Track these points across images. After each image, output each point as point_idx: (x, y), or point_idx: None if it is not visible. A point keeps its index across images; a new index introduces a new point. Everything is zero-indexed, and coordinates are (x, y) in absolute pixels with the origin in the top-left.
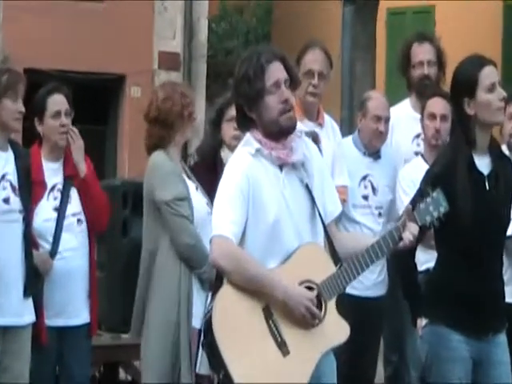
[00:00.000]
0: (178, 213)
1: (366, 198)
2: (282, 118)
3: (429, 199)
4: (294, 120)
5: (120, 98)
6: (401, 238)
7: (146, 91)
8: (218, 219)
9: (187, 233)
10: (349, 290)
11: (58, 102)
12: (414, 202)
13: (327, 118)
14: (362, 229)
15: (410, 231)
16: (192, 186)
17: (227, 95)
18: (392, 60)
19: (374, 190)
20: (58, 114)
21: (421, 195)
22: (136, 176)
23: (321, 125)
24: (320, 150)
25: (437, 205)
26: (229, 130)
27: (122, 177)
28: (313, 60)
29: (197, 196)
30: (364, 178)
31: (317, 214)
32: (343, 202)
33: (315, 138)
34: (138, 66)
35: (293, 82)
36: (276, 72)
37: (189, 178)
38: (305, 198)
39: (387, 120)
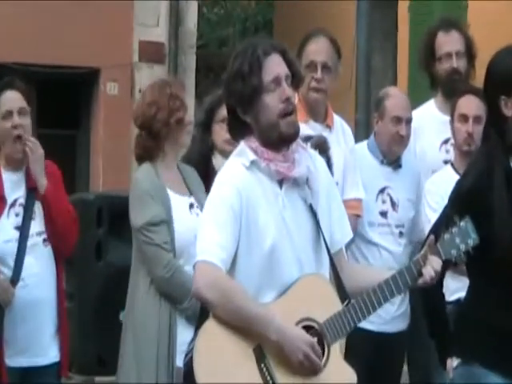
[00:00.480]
0: (151, 241)
1: (384, 214)
2: (283, 122)
3: (455, 229)
4: (297, 126)
5: (94, 96)
6: (421, 274)
7: (124, 88)
8: (204, 242)
9: (161, 264)
10: (364, 324)
11: (9, 99)
12: (438, 229)
13: (337, 120)
14: (379, 251)
15: (432, 266)
16: (183, 203)
17: (218, 92)
18: (416, 51)
19: (393, 205)
20: (9, 114)
21: (446, 221)
22: (112, 189)
23: (329, 127)
24: (329, 159)
25: (464, 236)
26: (221, 132)
27: (95, 190)
28: (315, 50)
29: (187, 216)
30: (382, 190)
31: (322, 240)
32: (357, 218)
33: (322, 144)
34: (114, 59)
35: (295, 79)
36: (275, 66)
37: (190, 192)
38: (308, 222)
39: (409, 121)
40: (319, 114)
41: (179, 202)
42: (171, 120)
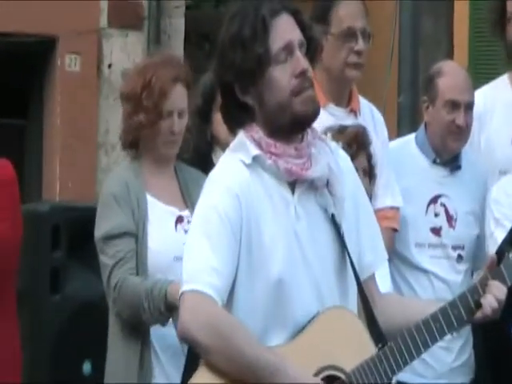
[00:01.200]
0: (107, 256)
1: (437, 231)
2: (297, 100)
3: None
4: (316, 103)
5: (48, 73)
6: (479, 305)
7: (88, 62)
8: (192, 266)
9: (111, 284)
10: (412, 377)
11: None
12: (502, 248)
13: (364, 104)
14: (430, 280)
15: (494, 294)
16: (167, 215)
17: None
18: (479, 14)
19: (450, 219)
20: None
21: None
22: (73, 198)
23: (354, 113)
24: (370, 157)
25: None
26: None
27: (50, 199)
28: (351, 13)
29: (170, 231)
30: (434, 200)
31: (347, 263)
32: (393, 232)
33: (361, 137)
34: (75, 24)
35: (311, 48)
36: (286, 30)
37: (185, 204)
38: (329, 238)
39: (469, 107)
40: (342, 96)
41: (162, 213)
42: (147, 105)
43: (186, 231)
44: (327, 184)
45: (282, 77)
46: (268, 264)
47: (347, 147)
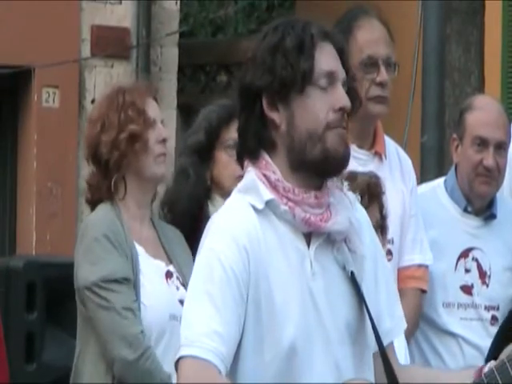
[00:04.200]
0: (108, 304)
1: (468, 290)
2: (331, 134)
3: None
4: (349, 147)
5: (22, 109)
6: None
7: (68, 97)
8: (193, 328)
9: (124, 339)
10: None
11: None
12: None
13: (391, 145)
14: (460, 346)
15: None
16: (156, 268)
17: (225, 102)
18: None
19: (483, 275)
20: None
21: None
22: (51, 252)
23: (379, 156)
24: (382, 208)
25: None
26: (229, 163)
27: (25, 253)
28: (373, 39)
29: (162, 286)
30: (465, 254)
31: (366, 328)
32: (422, 293)
33: (373, 186)
34: (53, 53)
35: (349, 93)
36: (332, 59)
37: (168, 258)
38: (347, 299)
39: (501, 146)
40: (366, 137)
41: (152, 266)
42: (121, 137)
43: (177, 287)
44: (346, 240)
45: (319, 104)
46: (280, 328)
47: (359, 198)
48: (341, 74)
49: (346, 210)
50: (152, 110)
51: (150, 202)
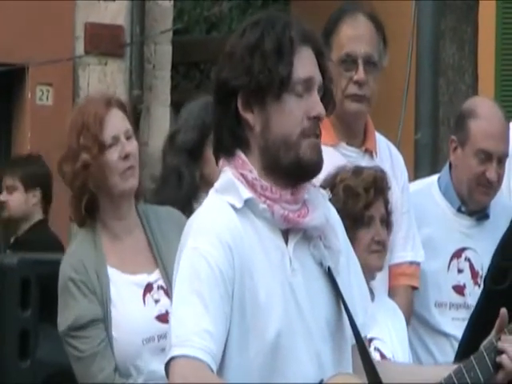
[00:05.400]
0: (77, 352)
1: (460, 290)
2: (306, 143)
3: None
4: (322, 157)
5: (15, 107)
6: (499, 365)
7: (62, 94)
8: (183, 327)
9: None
10: None
11: None
12: None
13: (382, 142)
14: (452, 345)
15: None
16: (132, 287)
17: (207, 99)
18: (510, 36)
19: (475, 275)
20: None
21: None
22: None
23: (370, 153)
24: (387, 203)
25: None
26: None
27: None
28: (354, 36)
29: (136, 308)
30: (458, 254)
31: (343, 321)
32: (413, 290)
33: (381, 180)
34: (47, 51)
35: (325, 95)
36: (310, 65)
37: (156, 263)
38: (325, 294)
39: (503, 158)
40: (355, 134)
41: (127, 286)
42: (76, 166)
43: (156, 301)
44: (321, 237)
45: (295, 110)
46: (264, 323)
47: (364, 193)
48: (317, 79)
49: (322, 206)
50: (113, 125)
51: (130, 213)
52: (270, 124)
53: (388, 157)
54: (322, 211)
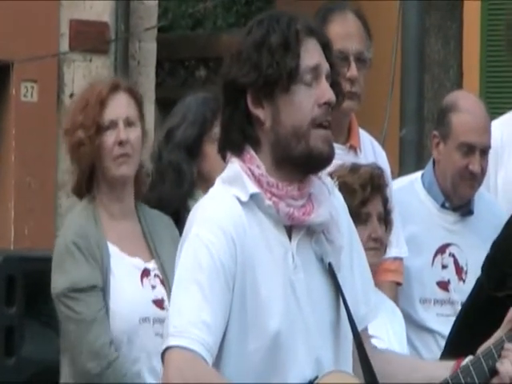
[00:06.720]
0: (74, 314)
1: (444, 286)
2: (316, 134)
3: None
4: (333, 148)
5: (1, 103)
6: (495, 372)
7: (46, 91)
8: (181, 318)
9: (87, 350)
10: None
11: None
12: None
13: (365, 139)
14: (437, 341)
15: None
16: (131, 268)
17: (205, 94)
18: (494, 32)
19: (459, 271)
20: None
21: None
22: (31, 246)
23: (354, 149)
24: (386, 201)
25: None
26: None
27: (4, 247)
28: (344, 33)
29: (134, 288)
30: (442, 249)
31: (343, 317)
32: (397, 286)
33: (378, 178)
34: (32, 48)
35: (333, 87)
36: (317, 54)
37: (151, 253)
38: (325, 291)
39: (485, 151)
40: (341, 131)
41: (126, 266)
42: (72, 140)
43: (153, 287)
44: (324, 231)
45: (305, 100)
46: (264, 318)
47: (360, 189)
48: (325, 67)
49: (327, 201)
50: (113, 108)
51: (128, 197)
52: (281, 117)
53: (372, 153)
54: (327, 207)
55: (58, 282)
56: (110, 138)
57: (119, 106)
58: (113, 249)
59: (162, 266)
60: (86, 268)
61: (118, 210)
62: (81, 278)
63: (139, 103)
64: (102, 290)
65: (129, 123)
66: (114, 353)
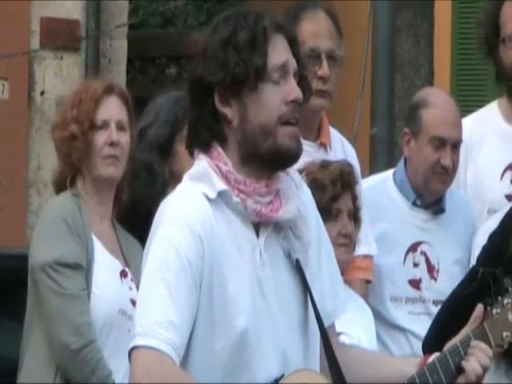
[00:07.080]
0: (58, 288)
1: (416, 284)
2: (283, 131)
3: (508, 300)
4: (301, 144)
5: None
6: (461, 370)
7: (17, 88)
8: (148, 317)
9: (69, 325)
10: None
11: None
12: (486, 298)
13: (335, 136)
14: (408, 340)
15: (478, 358)
16: (111, 264)
17: (176, 94)
18: (465, 31)
19: (431, 269)
20: None
21: (494, 289)
22: (0, 244)
23: (324, 147)
24: (355, 199)
25: None
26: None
27: None
28: (316, 32)
29: (114, 281)
30: (413, 248)
31: (310, 313)
32: (367, 284)
33: (348, 175)
34: (2, 45)
35: (301, 82)
36: (284, 51)
37: (124, 261)
38: (293, 287)
39: (456, 145)
40: (311, 128)
41: (106, 260)
42: (64, 135)
43: (130, 288)
44: (291, 227)
45: (273, 98)
46: (231, 316)
47: (331, 185)
48: (292, 65)
49: (295, 197)
50: (106, 109)
51: (109, 202)
52: (248, 115)
53: (341, 151)
54: (295, 203)
55: (43, 252)
56: (101, 137)
57: (112, 108)
58: (96, 241)
59: (137, 276)
60: (74, 245)
61: (101, 212)
62: (68, 254)
63: (130, 109)
64: (85, 271)
65: (120, 127)
66: (93, 334)
